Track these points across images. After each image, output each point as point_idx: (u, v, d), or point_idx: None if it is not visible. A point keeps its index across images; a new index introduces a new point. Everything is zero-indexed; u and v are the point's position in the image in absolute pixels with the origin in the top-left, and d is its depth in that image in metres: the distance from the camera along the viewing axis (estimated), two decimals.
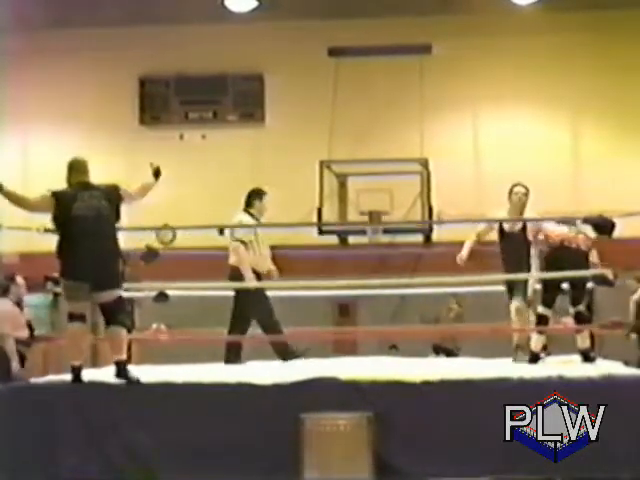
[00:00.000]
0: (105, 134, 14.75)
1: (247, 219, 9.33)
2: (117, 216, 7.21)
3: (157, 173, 7.58)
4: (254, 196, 9.51)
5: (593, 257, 8.33)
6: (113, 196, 7.19)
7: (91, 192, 7.12)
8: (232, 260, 9.20)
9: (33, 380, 7.69)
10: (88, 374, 7.27)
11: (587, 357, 8.23)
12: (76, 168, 7.25)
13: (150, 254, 9.20)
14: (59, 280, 7.59)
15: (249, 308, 8.99)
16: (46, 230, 7.39)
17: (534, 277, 8.52)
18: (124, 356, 7.16)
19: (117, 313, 7.17)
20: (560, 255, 8.14)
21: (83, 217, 7.01)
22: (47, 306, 14.27)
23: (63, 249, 7.08)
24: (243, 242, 9.11)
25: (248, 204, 9.45)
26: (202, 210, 13.63)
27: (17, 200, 7.08)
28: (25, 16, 13.54)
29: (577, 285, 8.33)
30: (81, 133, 14.79)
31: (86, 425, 6.89)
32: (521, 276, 8.46)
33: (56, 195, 7.09)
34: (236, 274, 9.08)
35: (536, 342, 8.24)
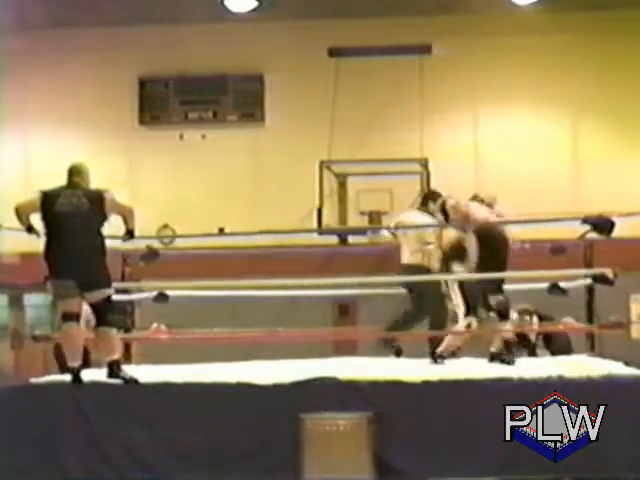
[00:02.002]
0: (105, 134, 14.75)
1: (428, 219, 9.46)
2: (102, 217, 7.21)
3: (130, 234, 7.49)
4: (432, 198, 9.64)
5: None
6: (95, 197, 7.20)
7: (73, 191, 7.20)
8: (411, 259, 9.32)
9: (33, 380, 7.68)
10: (88, 374, 7.27)
11: (501, 359, 8.21)
12: (75, 171, 7.30)
13: (150, 254, 9.22)
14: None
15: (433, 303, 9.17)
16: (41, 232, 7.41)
17: (535, 276, 8.52)
18: (116, 356, 7.17)
19: (107, 313, 7.17)
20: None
21: (63, 214, 7.10)
22: (47, 306, 14.30)
23: (48, 248, 7.15)
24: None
25: (424, 204, 9.63)
26: (202, 210, 13.67)
27: (26, 213, 7.23)
28: (25, 16, 13.54)
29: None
30: (81, 133, 14.79)
31: (86, 425, 6.89)
32: (523, 275, 8.45)
33: (44, 193, 7.21)
34: (415, 272, 9.19)
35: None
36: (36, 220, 7.26)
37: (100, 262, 7.20)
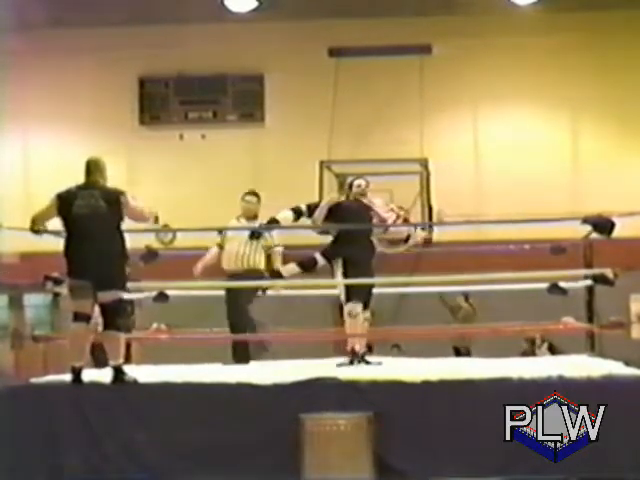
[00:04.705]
0: (105, 134, 14.74)
1: None
2: (120, 217, 7.21)
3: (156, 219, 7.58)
4: None
5: None
6: (112, 198, 7.17)
7: (91, 191, 7.16)
8: None
9: (33, 380, 7.68)
10: (88, 374, 7.27)
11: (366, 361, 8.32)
12: (87, 169, 7.27)
13: (150, 254, 9.21)
14: (60, 279, 7.63)
15: None
16: (46, 231, 7.42)
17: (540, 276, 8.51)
18: (120, 361, 7.16)
19: (116, 316, 7.15)
20: None
21: (80, 215, 7.09)
22: (47, 306, 14.30)
23: (67, 248, 7.17)
24: None
25: None
26: (202, 210, 13.65)
27: (42, 220, 7.26)
28: (25, 16, 13.53)
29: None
30: (81, 133, 14.79)
31: (86, 425, 6.89)
32: (523, 275, 8.44)
33: (60, 196, 7.20)
34: None
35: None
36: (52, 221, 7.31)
37: (118, 264, 7.20)
